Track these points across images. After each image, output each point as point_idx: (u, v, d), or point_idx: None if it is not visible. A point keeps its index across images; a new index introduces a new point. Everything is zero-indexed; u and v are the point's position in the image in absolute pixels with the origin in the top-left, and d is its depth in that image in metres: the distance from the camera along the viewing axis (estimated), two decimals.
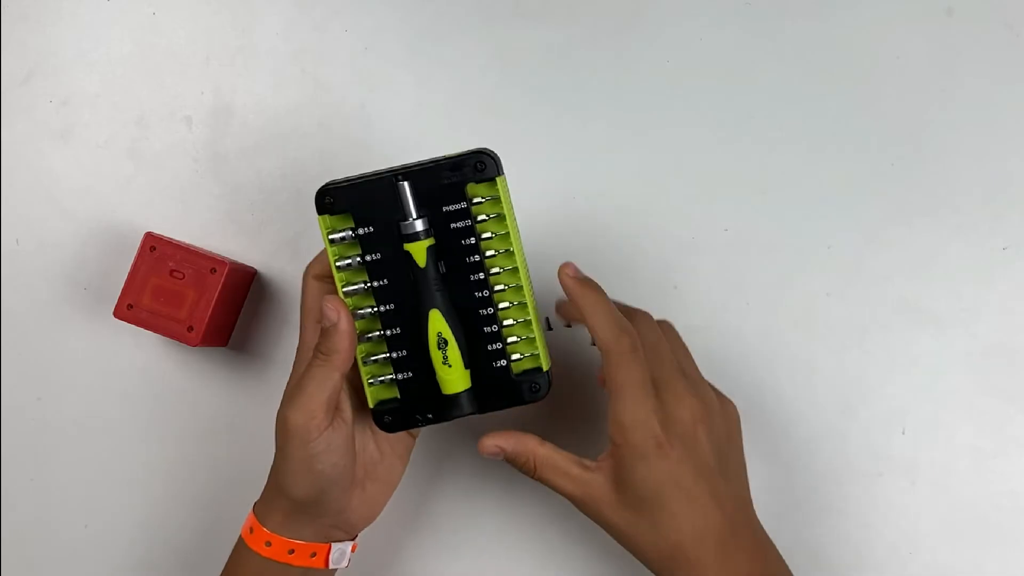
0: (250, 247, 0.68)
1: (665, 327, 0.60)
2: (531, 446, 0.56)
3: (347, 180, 0.54)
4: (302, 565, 0.57)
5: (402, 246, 0.55)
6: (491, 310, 0.56)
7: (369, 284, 0.55)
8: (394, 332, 0.56)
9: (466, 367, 0.55)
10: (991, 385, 0.66)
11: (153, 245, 0.63)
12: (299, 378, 0.54)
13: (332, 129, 0.68)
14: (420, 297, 0.55)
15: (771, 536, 0.57)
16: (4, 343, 0.68)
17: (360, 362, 0.56)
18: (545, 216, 0.67)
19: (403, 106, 0.68)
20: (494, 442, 0.56)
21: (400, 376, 0.56)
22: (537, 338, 0.56)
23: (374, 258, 0.55)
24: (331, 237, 0.55)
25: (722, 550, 0.53)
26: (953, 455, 0.65)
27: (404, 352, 0.56)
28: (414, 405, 0.56)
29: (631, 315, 0.57)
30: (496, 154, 0.54)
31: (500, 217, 0.55)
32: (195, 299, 0.63)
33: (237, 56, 0.69)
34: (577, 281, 0.55)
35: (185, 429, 0.67)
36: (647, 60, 0.68)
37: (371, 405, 0.57)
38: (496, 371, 0.56)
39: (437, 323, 0.55)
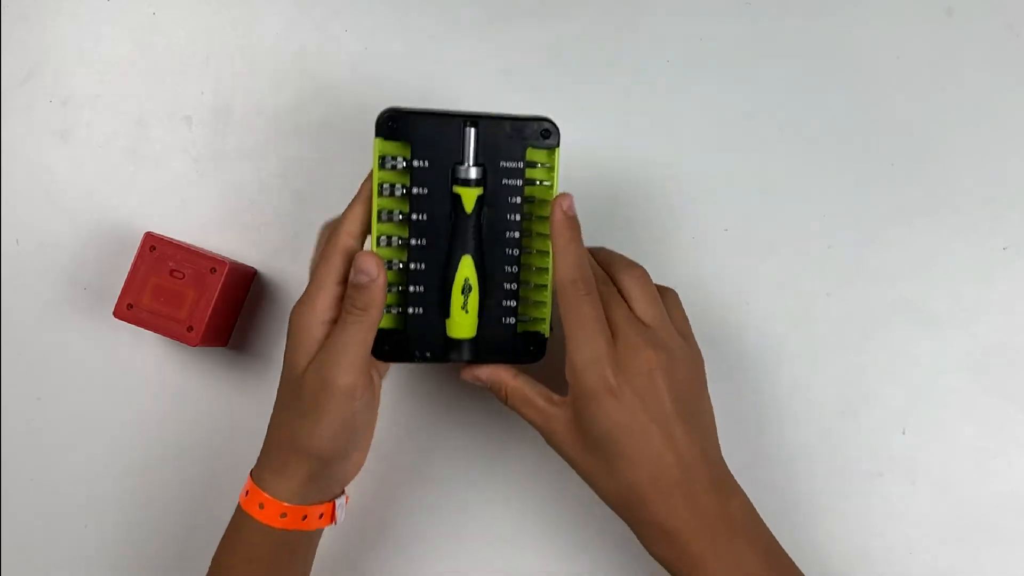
0: (250, 247, 0.68)
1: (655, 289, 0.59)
2: (504, 377, 0.58)
3: (415, 110, 0.56)
4: (312, 528, 0.58)
5: (452, 188, 0.56)
6: (515, 268, 0.58)
7: (407, 216, 0.56)
8: (418, 267, 0.57)
9: (478, 316, 0.57)
10: (991, 385, 0.66)
11: (153, 245, 0.63)
12: (337, 337, 0.54)
13: (332, 129, 0.68)
14: (456, 240, 0.56)
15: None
16: (4, 343, 0.68)
17: None
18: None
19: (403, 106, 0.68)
20: (474, 372, 0.59)
21: (411, 310, 0.57)
22: (547, 306, 0.58)
23: (420, 192, 0.56)
24: (382, 162, 0.56)
25: (678, 493, 0.54)
26: (953, 455, 0.65)
27: (422, 288, 0.57)
28: (416, 341, 0.57)
29: (611, 264, 0.58)
30: (558, 128, 0.57)
31: (548, 186, 0.57)
32: (195, 299, 0.63)
33: (237, 56, 0.69)
34: (565, 216, 0.55)
35: (185, 429, 0.67)
36: (647, 60, 0.68)
37: None
38: (502, 327, 0.58)
39: (467, 269, 0.56)
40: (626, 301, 0.57)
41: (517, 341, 0.58)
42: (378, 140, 0.56)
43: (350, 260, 0.55)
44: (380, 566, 0.66)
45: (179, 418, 0.67)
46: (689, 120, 0.68)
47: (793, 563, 0.56)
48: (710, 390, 0.61)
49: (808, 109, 0.68)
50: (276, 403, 0.58)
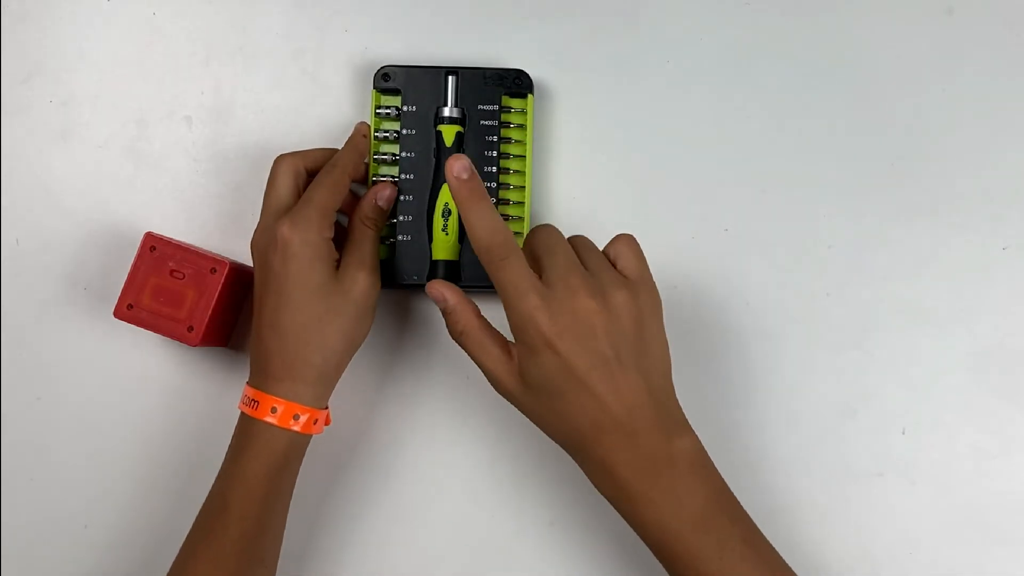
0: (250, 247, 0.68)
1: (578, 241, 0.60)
2: (468, 313, 0.58)
3: (405, 65, 0.66)
4: (317, 432, 0.61)
5: (435, 127, 0.65)
6: (492, 200, 0.62)
7: (398, 155, 0.65)
8: (407, 199, 0.65)
9: (459, 242, 0.65)
10: (991, 385, 0.66)
11: (153, 245, 0.63)
12: (363, 246, 0.61)
13: (332, 129, 0.68)
14: (439, 172, 0.65)
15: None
16: (4, 343, 0.68)
17: None
18: (544, 217, 0.67)
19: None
20: (442, 289, 0.58)
21: (400, 237, 0.65)
22: (524, 237, 0.63)
23: (409, 132, 0.65)
24: (377, 111, 0.66)
25: (619, 435, 0.55)
26: (953, 455, 0.65)
27: (410, 217, 0.65)
28: (405, 266, 0.65)
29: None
30: (531, 78, 0.65)
31: (522, 128, 0.66)
32: (195, 299, 0.63)
33: (237, 56, 0.69)
34: (462, 182, 0.55)
35: (185, 429, 0.67)
36: (647, 60, 0.68)
37: None
38: None
39: (447, 195, 0.65)
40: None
41: None
42: (374, 92, 0.66)
43: (344, 194, 0.62)
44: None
45: (179, 418, 0.67)
46: (689, 120, 0.68)
47: (741, 506, 0.57)
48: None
49: (808, 109, 0.68)
50: (281, 316, 0.59)
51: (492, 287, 0.63)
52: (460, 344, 0.59)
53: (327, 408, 0.62)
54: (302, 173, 0.63)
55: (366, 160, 0.65)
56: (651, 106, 0.68)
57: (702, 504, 0.55)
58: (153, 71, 0.69)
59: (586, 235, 0.60)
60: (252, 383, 0.60)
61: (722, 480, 0.57)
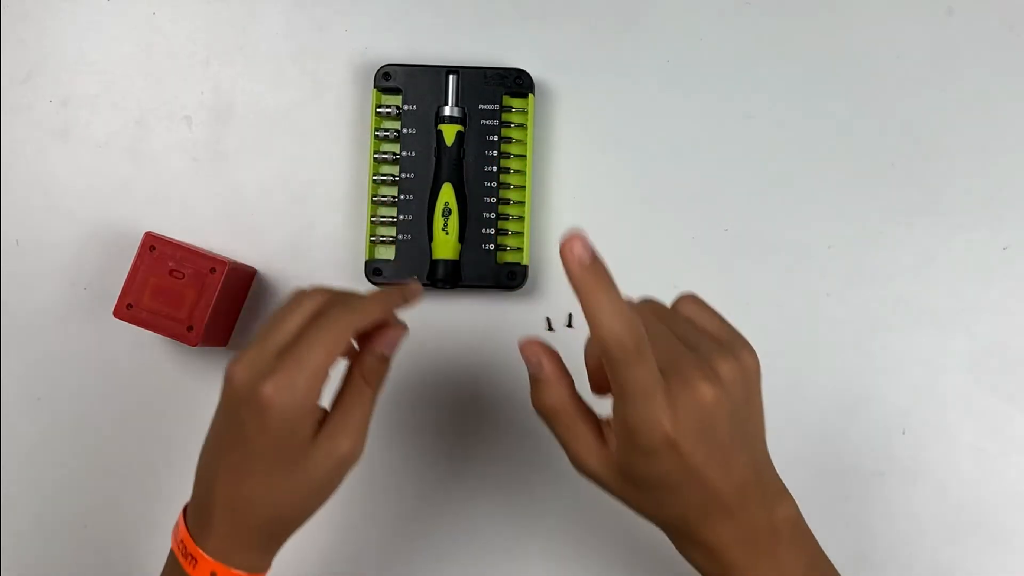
0: (250, 247, 0.68)
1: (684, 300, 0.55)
2: (563, 388, 0.51)
3: (406, 64, 0.66)
4: None
5: (436, 126, 0.65)
6: (493, 200, 0.65)
7: (398, 154, 0.65)
8: (407, 198, 0.65)
9: (460, 241, 0.64)
10: (991, 385, 0.66)
11: (153, 245, 0.63)
12: (360, 409, 0.53)
13: (332, 129, 0.68)
14: (439, 171, 0.65)
15: None
16: (4, 343, 0.68)
17: (369, 220, 0.66)
18: (544, 217, 0.67)
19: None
20: (539, 354, 0.50)
21: (401, 237, 0.65)
22: (525, 237, 0.65)
23: (410, 132, 0.65)
24: (378, 110, 0.66)
25: (728, 518, 0.51)
26: (953, 455, 0.65)
27: (410, 217, 0.65)
28: (405, 265, 0.65)
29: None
30: (532, 77, 0.66)
31: (523, 127, 0.66)
32: (195, 299, 0.63)
33: (237, 56, 0.69)
34: (581, 268, 0.47)
35: (185, 429, 0.67)
36: (647, 60, 0.68)
37: (367, 258, 0.65)
38: (482, 253, 0.65)
39: (447, 194, 0.64)
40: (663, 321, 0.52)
41: (498, 269, 0.65)
42: (375, 91, 0.66)
43: (345, 349, 0.52)
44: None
45: (179, 418, 0.67)
46: (689, 120, 0.68)
47: (834, 566, 0.55)
48: None
49: (808, 109, 0.68)
50: (242, 483, 0.52)
51: (491, 286, 0.64)
52: (544, 418, 0.51)
53: (268, 569, 0.55)
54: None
55: (383, 316, 0.54)
56: (651, 106, 0.68)
57: (804, 572, 0.53)
58: (153, 71, 0.69)
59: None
60: (191, 526, 0.54)
61: (816, 542, 0.55)
